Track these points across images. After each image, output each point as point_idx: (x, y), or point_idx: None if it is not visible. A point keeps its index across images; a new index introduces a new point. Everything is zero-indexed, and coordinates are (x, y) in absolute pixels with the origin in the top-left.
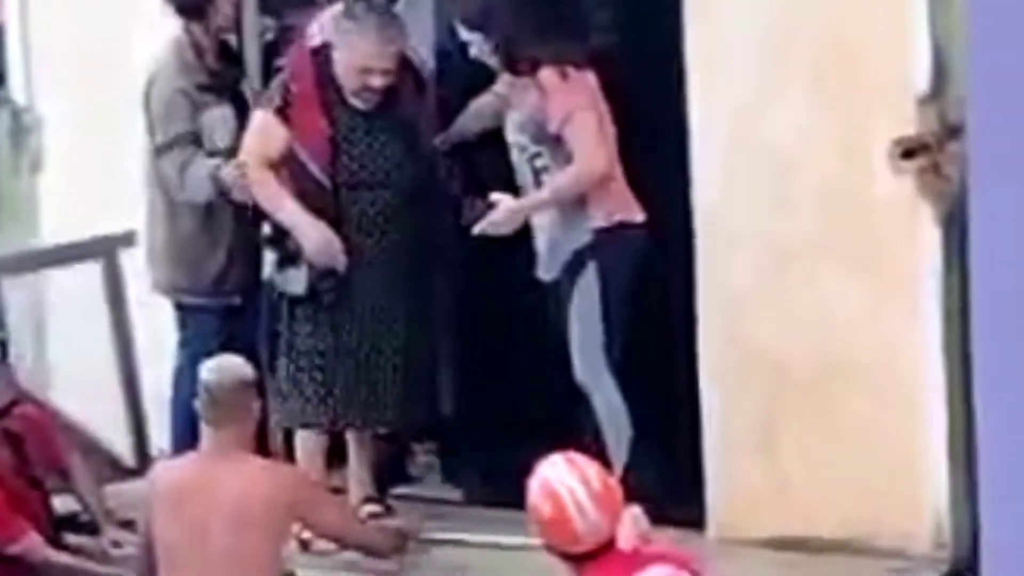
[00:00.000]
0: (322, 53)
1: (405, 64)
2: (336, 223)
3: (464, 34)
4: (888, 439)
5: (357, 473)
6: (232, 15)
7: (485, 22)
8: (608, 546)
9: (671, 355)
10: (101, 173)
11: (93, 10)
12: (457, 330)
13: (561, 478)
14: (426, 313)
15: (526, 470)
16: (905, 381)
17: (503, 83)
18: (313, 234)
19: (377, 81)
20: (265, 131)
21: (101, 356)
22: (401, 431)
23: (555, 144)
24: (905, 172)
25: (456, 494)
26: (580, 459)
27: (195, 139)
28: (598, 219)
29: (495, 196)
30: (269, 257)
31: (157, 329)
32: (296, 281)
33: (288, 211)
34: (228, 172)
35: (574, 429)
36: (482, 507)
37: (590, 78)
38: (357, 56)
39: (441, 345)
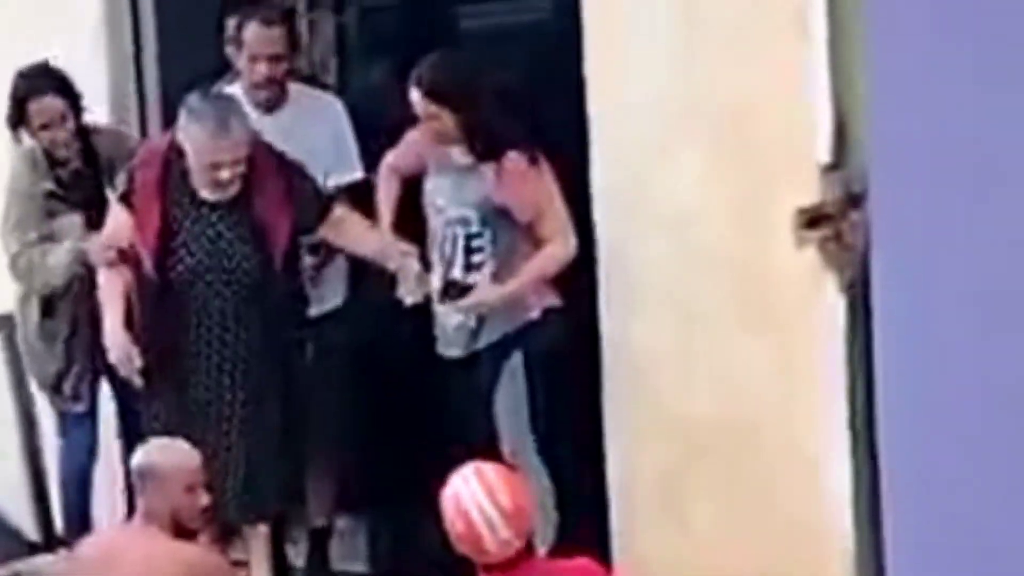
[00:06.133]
0: (176, 144)
1: (268, 151)
2: (168, 320)
3: (414, 95)
4: (792, 501)
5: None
6: (60, 123)
7: (451, 97)
8: (525, 555)
9: (579, 419)
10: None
11: None
12: (352, 407)
13: (473, 496)
14: (269, 405)
15: (431, 542)
16: (809, 444)
17: (420, 147)
18: (114, 345)
19: (225, 174)
20: (114, 218)
21: (2, 432)
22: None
23: (507, 227)
24: (808, 242)
25: (360, 566)
26: (491, 473)
27: (49, 238)
28: (533, 307)
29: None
30: None
31: None
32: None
33: (106, 309)
34: (93, 250)
35: None
36: None
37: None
38: (200, 150)
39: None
